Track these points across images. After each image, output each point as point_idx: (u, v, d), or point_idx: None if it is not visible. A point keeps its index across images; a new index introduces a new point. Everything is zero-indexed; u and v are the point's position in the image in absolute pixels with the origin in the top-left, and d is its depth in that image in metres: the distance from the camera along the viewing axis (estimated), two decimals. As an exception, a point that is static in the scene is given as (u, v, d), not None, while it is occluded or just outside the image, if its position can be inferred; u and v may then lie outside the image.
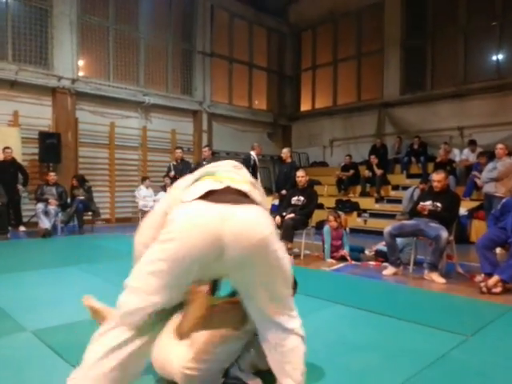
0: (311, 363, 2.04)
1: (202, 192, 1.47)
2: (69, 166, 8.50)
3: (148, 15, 9.91)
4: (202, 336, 1.73)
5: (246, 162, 7.57)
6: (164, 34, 10.28)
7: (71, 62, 8.68)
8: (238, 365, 1.84)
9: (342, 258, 5.18)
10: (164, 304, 1.45)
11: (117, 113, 9.35)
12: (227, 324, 1.74)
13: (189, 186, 1.58)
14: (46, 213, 7.10)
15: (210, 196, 1.46)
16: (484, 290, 3.66)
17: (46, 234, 6.82)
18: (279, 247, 1.52)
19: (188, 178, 1.67)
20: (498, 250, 4.76)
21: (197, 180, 1.60)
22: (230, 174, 1.62)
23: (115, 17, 9.40)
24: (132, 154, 9.65)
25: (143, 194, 8.71)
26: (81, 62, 9.10)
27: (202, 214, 1.41)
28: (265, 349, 1.63)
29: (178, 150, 8.13)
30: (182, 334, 1.77)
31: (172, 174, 7.85)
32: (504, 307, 3.26)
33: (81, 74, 8.98)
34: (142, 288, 1.43)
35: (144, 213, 8.85)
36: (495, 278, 3.65)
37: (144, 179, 8.94)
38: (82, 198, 7.54)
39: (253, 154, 7.49)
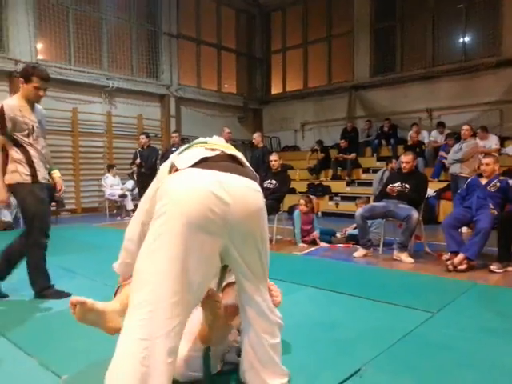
0: (283, 345, 2.08)
1: (195, 159, 1.40)
2: (30, 155, 8.11)
3: (109, -5, 9.48)
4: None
5: None
6: (127, 15, 9.87)
7: (29, 45, 8.22)
8: (233, 351, 1.82)
9: (314, 242, 5.17)
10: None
11: (79, 98, 8.97)
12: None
13: (178, 154, 1.50)
14: (7, 205, 6.77)
15: (204, 163, 1.40)
16: (450, 267, 3.74)
17: (8, 226, 6.54)
18: (266, 225, 1.50)
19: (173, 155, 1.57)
20: (465, 230, 4.87)
21: (186, 149, 1.53)
22: (221, 143, 1.60)
23: (75, -4, 8.95)
24: (97, 141, 9.31)
25: (110, 182, 8.45)
26: (39, 45, 8.64)
27: (199, 180, 1.33)
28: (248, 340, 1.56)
29: (142, 136, 7.85)
30: (207, 342, 1.67)
31: (138, 161, 7.60)
32: (468, 283, 3.36)
33: (40, 57, 8.53)
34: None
35: (111, 202, 8.63)
36: (460, 255, 3.75)
37: (110, 167, 8.66)
38: (44, 187, 7.22)
39: (221, 139, 7.35)
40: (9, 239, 6.06)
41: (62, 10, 8.79)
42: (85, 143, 9.08)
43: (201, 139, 1.60)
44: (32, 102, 2.98)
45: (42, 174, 3.02)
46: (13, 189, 2.95)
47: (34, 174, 2.95)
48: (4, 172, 2.89)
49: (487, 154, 4.62)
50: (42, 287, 3.03)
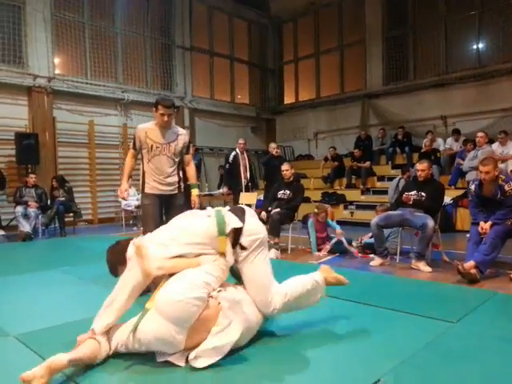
0: (303, 355, 2.12)
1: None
2: (48, 167, 8.29)
3: (124, 10, 9.71)
4: None
5: (226, 157, 7.59)
6: (141, 29, 10.08)
7: (47, 60, 8.44)
8: None
9: (330, 251, 5.13)
10: None
11: (96, 111, 9.15)
12: None
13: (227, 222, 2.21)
14: (26, 216, 6.89)
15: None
16: (460, 267, 3.60)
17: (27, 237, 6.64)
18: None
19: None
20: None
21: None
22: None
23: (90, 12, 9.18)
24: (113, 153, 9.45)
25: (126, 193, 8.53)
26: (57, 60, 8.87)
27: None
28: None
29: None
30: None
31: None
32: (489, 293, 3.27)
33: (57, 71, 8.75)
34: None
35: (127, 212, 8.71)
36: (471, 262, 3.66)
37: (127, 178, 8.75)
38: (62, 199, 7.34)
39: (237, 150, 7.40)
40: (28, 249, 6.20)
41: (78, 25, 9.03)
42: (101, 155, 9.23)
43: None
44: (161, 125, 3.59)
45: (150, 186, 3.65)
46: None
47: (143, 186, 3.68)
48: (128, 177, 3.76)
49: (485, 159, 4.10)
50: None
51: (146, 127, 3.65)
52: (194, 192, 3.87)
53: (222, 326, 1.95)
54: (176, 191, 3.72)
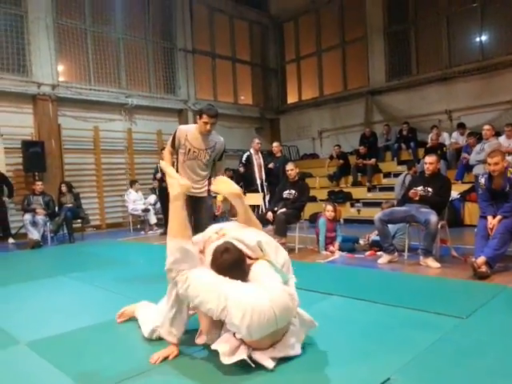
0: (310, 356, 2.09)
1: None
2: (54, 174, 8.35)
3: (125, 15, 9.75)
4: None
5: (240, 158, 7.63)
6: (143, 33, 10.12)
7: (50, 68, 8.51)
8: None
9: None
10: None
11: (100, 116, 9.20)
12: None
13: None
14: (35, 223, 6.93)
15: None
16: (475, 265, 3.58)
17: (36, 245, 6.66)
18: None
19: None
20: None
21: None
22: None
23: (92, 19, 9.23)
24: (118, 158, 9.50)
25: (133, 197, 8.58)
26: (60, 67, 8.93)
27: None
28: None
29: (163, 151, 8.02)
30: None
31: (159, 175, 7.72)
32: (498, 287, 3.25)
33: (61, 79, 8.81)
34: None
35: (135, 217, 8.76)
36: (482, 258, 3.63)
37: (133, 183, 8.81)
38: (69, 205, 7.39)
39: (251, 150, 7.42)
40: (37, 257, 6.25)
41: (80, 32, 9.08)
42: (107, 160, 9.28)
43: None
44: (202, 132, 3.71)
45: None
46: None
47: None
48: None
49: (493, 151, 4.17)
50: None
51: (188, 130, 3.78)
52: (219, 198, 3.89)
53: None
54: (205, 194, 3.87)
